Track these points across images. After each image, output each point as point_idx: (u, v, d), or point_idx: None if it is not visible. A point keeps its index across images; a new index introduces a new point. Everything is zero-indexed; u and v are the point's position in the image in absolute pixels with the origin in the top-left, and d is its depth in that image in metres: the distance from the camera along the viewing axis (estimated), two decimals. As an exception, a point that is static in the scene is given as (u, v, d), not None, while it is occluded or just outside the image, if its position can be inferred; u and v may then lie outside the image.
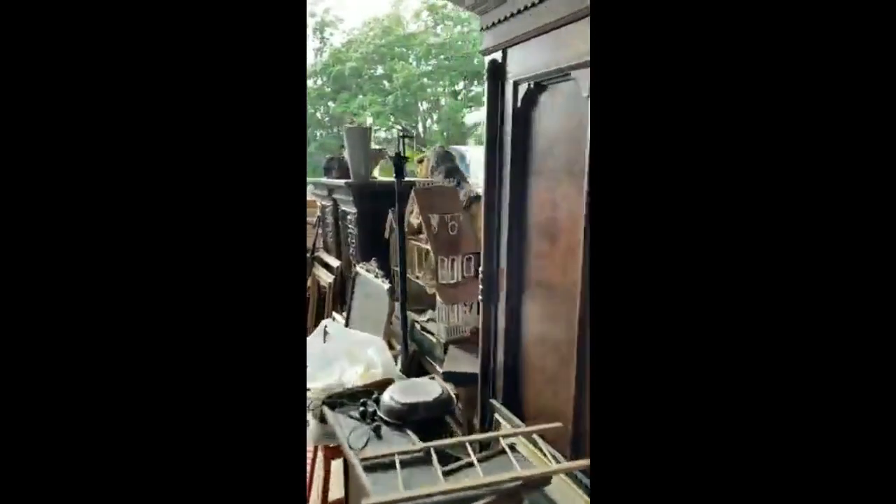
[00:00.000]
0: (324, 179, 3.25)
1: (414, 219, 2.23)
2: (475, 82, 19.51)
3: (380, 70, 20.09)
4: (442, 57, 19.06)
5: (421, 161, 3.34)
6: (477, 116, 19.75)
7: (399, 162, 1.89)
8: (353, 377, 1.63)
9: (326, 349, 1.73)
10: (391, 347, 2.13)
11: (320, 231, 3.72)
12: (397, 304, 2.20)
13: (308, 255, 3.73)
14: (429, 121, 20.59)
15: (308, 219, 4.02)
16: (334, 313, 3.08)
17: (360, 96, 18.56)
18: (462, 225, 2.12)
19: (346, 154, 2.84)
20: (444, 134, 19.66)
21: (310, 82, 18.38)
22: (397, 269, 2.58)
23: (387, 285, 2.24)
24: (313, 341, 1.79)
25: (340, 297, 3.29)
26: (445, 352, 2.05)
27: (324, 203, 3.52)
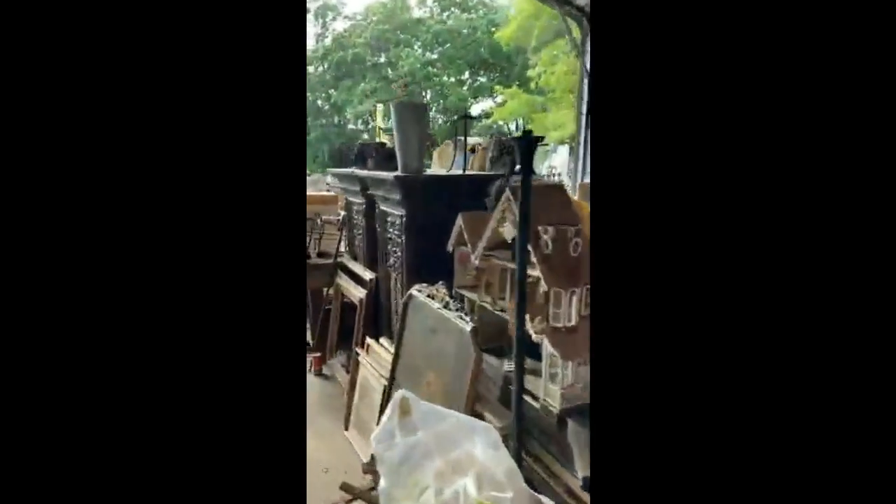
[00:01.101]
0: (356, 171, 2.56)
1: (508, 230, 1.55)
2: (481, 72, 18.71)
3: (383, 58, 19.26)
4: (447, 45, 18.24)
5: (473, 150, 2.66)
6: (484, 106, 18.97)
7: (528, 146, 1.21)
8: (462, 505, 0.96)
9: (409, 448, 1.06)
10: (477, 417, 1.47)
11: (345, 234, 3.03)
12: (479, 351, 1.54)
13: (331, 260, 3.05)
14: (432, 111, 19.81)
15: (332, 217, 3.33)
16: (369, 339, 2.41)
17: (363, 84, 17.73)
18: (585, 243, 1.45)
19: (393, 138, 2.14)
20: (447, 124, 18.86)
21: (310, 69, 17.61)
22: (468, 295, 1.92)
23: (468, 325, 1.57)
24: (386, 434, 1.10)
25: (373, 318, 2.62)
26: (560, 426, 1.40)
27: (353, 200, 2.83)
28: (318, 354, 2.95)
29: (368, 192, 2.48)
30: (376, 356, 2.31)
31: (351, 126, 19.03)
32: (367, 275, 2.58)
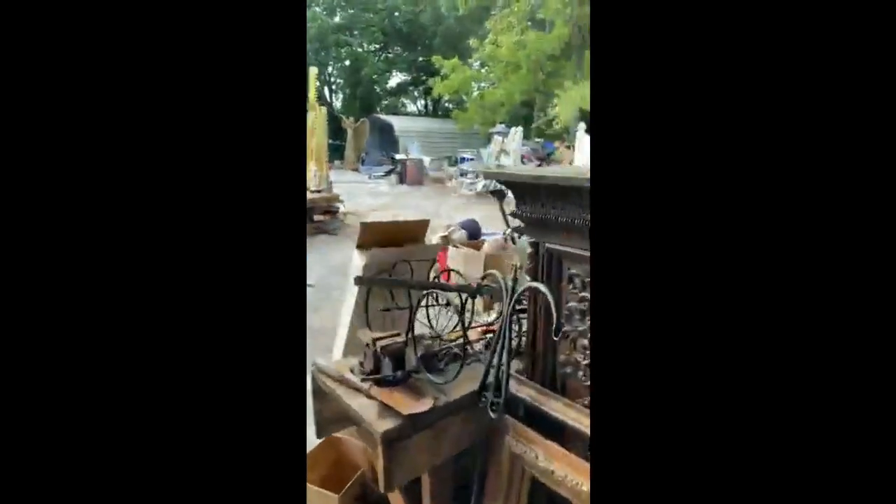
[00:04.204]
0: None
1: None
2: (397, 43, 16.50)
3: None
4: (352, 11, 15.70)
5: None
6: (392, 83, 16.85)
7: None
8: None
9: None
10: None
11: (512, 316, 1.18)
12: None
13: (504, 353, 1.19)
14: (336, 84, 17.20)
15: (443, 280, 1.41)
16: None
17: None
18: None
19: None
20: (357, 99, 16.41)
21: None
22: None
23: None
24: None
25: None
26: None
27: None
28: None
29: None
30: None
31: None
32: None
